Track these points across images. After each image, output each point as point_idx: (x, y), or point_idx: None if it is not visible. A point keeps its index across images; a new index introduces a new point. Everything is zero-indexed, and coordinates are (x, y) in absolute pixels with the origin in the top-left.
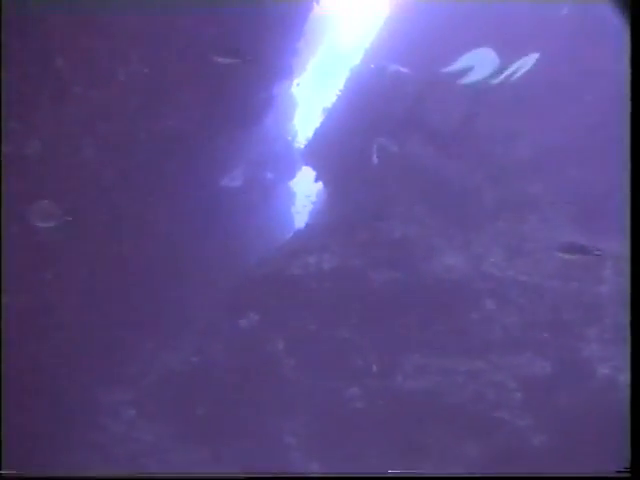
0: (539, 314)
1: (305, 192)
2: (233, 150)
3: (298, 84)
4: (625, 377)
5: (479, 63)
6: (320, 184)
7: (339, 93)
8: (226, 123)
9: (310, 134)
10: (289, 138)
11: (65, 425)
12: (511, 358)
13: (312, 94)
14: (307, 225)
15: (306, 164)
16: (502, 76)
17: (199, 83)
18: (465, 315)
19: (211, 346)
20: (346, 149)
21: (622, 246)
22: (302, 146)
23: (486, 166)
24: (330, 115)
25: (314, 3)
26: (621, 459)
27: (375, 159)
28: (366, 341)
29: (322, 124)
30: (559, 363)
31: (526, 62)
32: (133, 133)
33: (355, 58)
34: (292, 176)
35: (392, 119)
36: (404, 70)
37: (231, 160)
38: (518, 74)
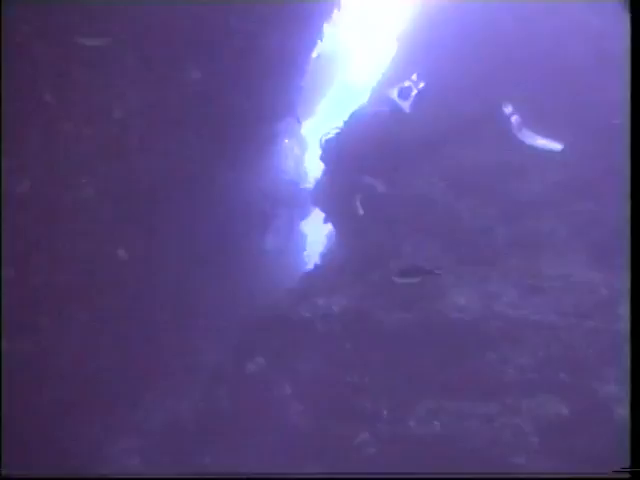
0: (554, 354)
1: (316, 233)
2: (240, 190)
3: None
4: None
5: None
6: (330, 225)
7: (339, 131)
8: (228, 160)
9: (319, 175)
10: (299, 180)
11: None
12: (527, 400)
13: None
14: (316, 266)
15: (315, 205)
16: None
17: (199, 120)
18: (478, 356)
19: (217, 392)
20: (353, 189)
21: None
22: (311, 187)
23: (498, 202)
24: (336, 155)
25: (317, 40)
26: None
27: (360, 210)
28: (376, 385)
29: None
30: (576, 404)
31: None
32: (133, 173)
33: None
34: (304, 217)
35: (400, 156)
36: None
37: (238, 201)
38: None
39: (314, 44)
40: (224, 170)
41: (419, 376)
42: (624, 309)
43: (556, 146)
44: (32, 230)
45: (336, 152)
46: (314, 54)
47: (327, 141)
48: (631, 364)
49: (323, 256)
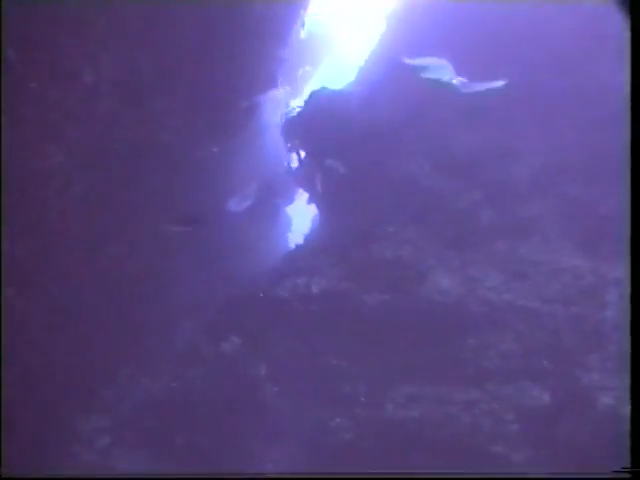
0: (538, 340)
1: (303, 216)
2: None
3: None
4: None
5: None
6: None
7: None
8: (206, 133)
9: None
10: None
11: (36, 455)
12: (508, 387)
13: None
14: (297, 247)
15: (299, 186)
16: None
17: (175, 89)
18: (460, 341)
19: (191, 371)
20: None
21: (626, 269)
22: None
23: (483, 185)
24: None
25: (300, 10)
26: None
27: (319, 187)
28: (355, 368)
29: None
30: (559, 392)
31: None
32: (105, 141)
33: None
34: (289, 199)
35: (384, 137)
36: None
37: (219, 176)
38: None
39: (297, 14)
40: (203, 142)
41: (398, 360)
42: (610, 296)
43: (497, 84)
44: None
45: (298, 131)
46: (302, 34)
47: (287, 119)
48: (631, 364)
49: (306, 237)
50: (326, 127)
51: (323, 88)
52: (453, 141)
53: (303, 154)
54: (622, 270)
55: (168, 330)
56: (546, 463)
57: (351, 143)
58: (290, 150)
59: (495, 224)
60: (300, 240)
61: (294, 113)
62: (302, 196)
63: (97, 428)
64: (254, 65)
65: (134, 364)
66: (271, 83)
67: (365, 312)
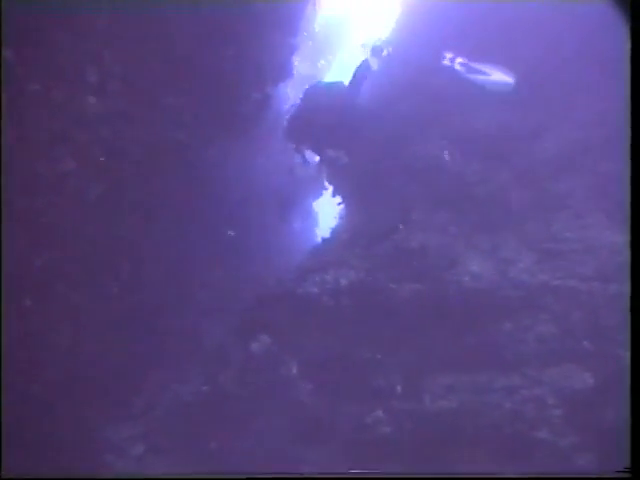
0: (577, 321)
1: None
2: (238, 161)
3: None
4: None
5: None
6: (338, 199)
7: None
8: (220, 128)
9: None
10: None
11: (67, 466)
12: (549, 371)
13: None
14: (324, 241)
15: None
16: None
17: (185, 84)
18: (496, 326)
19: (222, 374)
20: (361, 158)
21: None
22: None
23: (509, 165)
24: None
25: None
26: None
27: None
28: (389, 359)
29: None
30: (601, 374)
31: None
32: (117, 143)
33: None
34: (318, 195)
35: (409, 122)
36: None
37: (237, 174)
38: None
39: (309, 3)
40: (217, 138)
41: (433, 350)
42: None
43: (507, 79)
44: (8, 207)
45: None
46: (317, 27)
47: (289, 120)
48: (631, 364)
49: (333, 231)
50: (329, 119)
51: (319, 82)
52: (476, 123)
53: (309, 151)
54: None
55: (196, 333)
56: (593, 448)
57: (366, 133)
58: (296, 149)
59: (525, 204)
60: (327, 234)
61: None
62: (329, 189)
63: (130, 436)
64: (265, 55)
65: (163, 369)
66: (285, 73)
67: (396, 302)
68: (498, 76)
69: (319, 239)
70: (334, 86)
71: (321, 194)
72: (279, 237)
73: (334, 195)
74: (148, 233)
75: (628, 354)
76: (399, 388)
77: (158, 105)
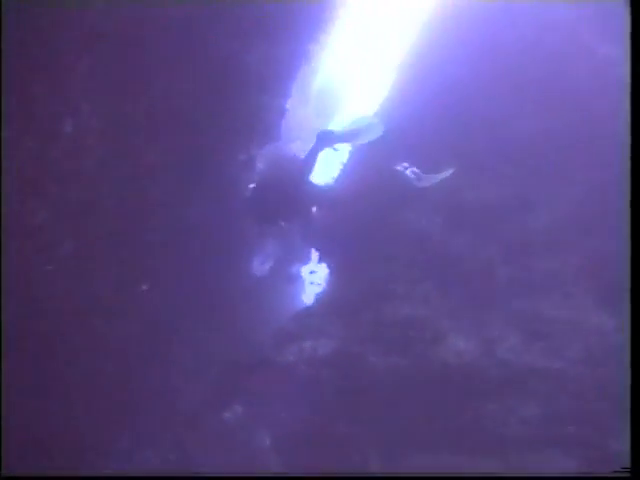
0: (562, 405)
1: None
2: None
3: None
4: None
5: (365, 129)
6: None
7: (341, 167)
8: (202, 189)
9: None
10: None
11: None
12: (532, 456)
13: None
14: (307, 307)
15: (308, 244)
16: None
17: (167, 141)
18: (478, 407)
19: (191, 442)
20: (348, 226)
21: None
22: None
23: (497, 240)
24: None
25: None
26: None
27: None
28: (366, 435)
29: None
30: (586, 462)
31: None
32: (93, 197)
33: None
34: (307, 260)
35: (393, 191)
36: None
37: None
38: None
39: (300, 65)
40: (200, 199)
41: (413, 427)
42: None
43: (446, 173)
44: None
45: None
46: (313, 86)
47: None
48: (631, 365)
49: (317, 297)
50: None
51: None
52: (466, 194)
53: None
54: None
55: (170, 395)
56: None
57: (352, 202)
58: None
59: (512, 280)
60: (311, 300)
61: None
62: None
63: None
64: (251, 116)
65: (130, 434)
66: (272, 135)
67: (376, 376)
68: (442, 175)
69: (303, 305)
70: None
71: (309, 259)
72: (265, 300)
73: (319, 262)
74: (123, 289)
75: (615, 442)
76: (374, 466)
77: (137, 162)
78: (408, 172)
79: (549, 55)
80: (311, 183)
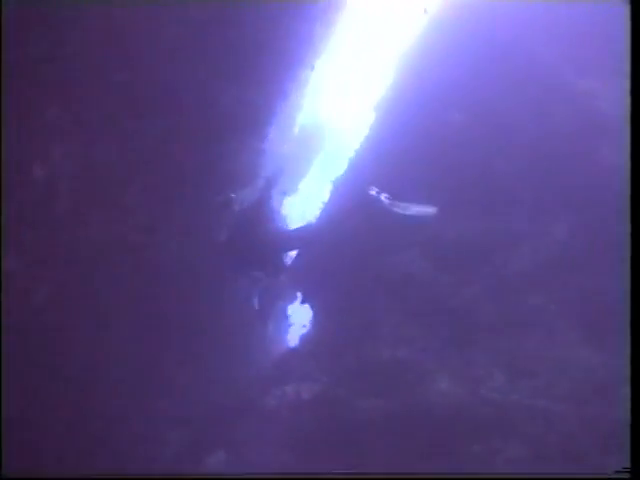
0: (550, 444)
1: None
2: None
3: None
4: None
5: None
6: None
7: (322, 206)
8: (177, 232)
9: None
10: None
11: None
12: None
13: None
14: (290, 349)
15: (292, 285)
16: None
17: (143, 184)
18: (465, 448)
19: None
20: (331, 266)
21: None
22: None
23: (480, 277)
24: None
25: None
26: None
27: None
28: None
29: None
30: None
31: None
32: (65, 245)
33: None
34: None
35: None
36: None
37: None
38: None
39: (279, 106)
40: (177, 240)
41: (397, 471)
42: (625, 392)
43: (430, 210)
44: None
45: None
46: (296, 129)
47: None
48: (631, 364)
49: (300, 339)
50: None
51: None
52: (448, 231)
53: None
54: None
55: (151, 443)
56: None
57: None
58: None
59: (496, 319)
60: (295, 341)
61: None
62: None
63: None
64: (229, 157)
65: None
66: (250, 177)
67: (360, 419)
68: (421, 208)
69: (287, 346)
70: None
71: (295, 299)
72: (248, 342)
73: (303, 302)
74: (100, 335)
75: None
76: None
77: (111, 206)
78: (382, 197)
79: (531, 93)
80: (282, 228)
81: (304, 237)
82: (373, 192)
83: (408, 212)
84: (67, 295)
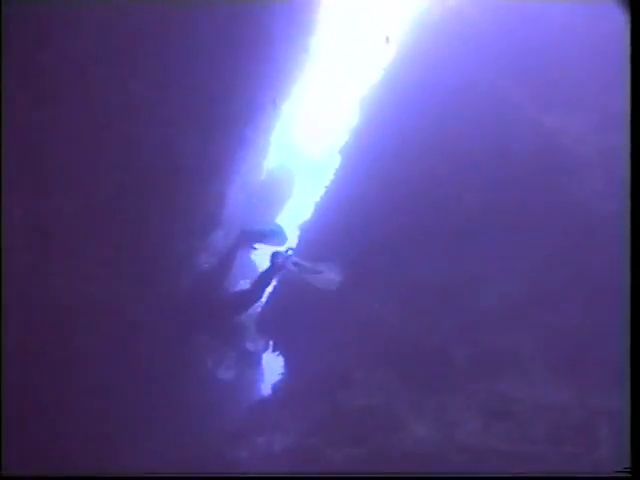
0: None
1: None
2: None
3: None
4: None
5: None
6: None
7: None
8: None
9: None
10: None
11: None
12: None
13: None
14: (262, 398)
15: (261, 332)
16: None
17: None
18: None
19: None
20: (300, 312)
21: (618, 400)
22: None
23: (452, 318)
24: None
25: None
26: None
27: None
28: None
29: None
30: None
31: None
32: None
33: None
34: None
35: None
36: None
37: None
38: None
39: (243, 152)
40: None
41: None
42: (603, 431)
43: (335, 279)
44: None
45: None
46: (262, 175)
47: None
48: (631, 365)
49: (273, 388)
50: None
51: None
52: (416, 272)
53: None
54: (613, 400)
55: None
56: None
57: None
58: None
59: (469, 360)
60: (268, 390)
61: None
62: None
63: None
64: (190, 205)
65: None
66: (212, 226)
67: (335, 469)
68: (326, 275)
69: (260, 395)
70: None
71: (267, 347)
72: (219, 392)
73: (274, 350)
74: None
75: None
76: None
77: (73, 254)
78: (292, 264)
79: (495, 129)
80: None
81: (268, 286)
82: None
83: (314, 281)
84: (22, 350)
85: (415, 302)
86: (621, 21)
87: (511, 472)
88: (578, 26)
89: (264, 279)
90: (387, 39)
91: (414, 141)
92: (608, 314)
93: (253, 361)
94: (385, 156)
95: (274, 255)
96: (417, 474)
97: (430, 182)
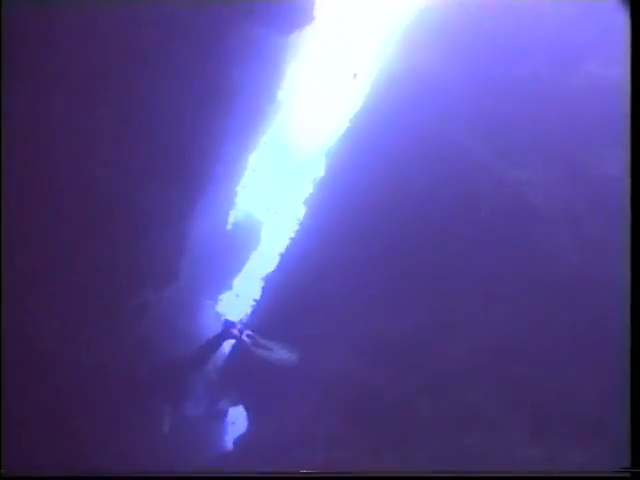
0: None
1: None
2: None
3: None
4: None
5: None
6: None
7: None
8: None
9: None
10: None
11: None
12: None
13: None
14: (222, 454)
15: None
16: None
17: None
18: None
19: None
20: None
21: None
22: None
23: (417, 371)
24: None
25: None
26: None
27: None
28: None
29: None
30: None
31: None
32: None
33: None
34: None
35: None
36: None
37: None
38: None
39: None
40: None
41: None
42: None
43: (292, 357)
44: None
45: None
46: (228, 225)
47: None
48: (631, 365)
49: (235, 441)
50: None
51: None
52: (381, 325)
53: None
54: (581, 456)
55: None
56: None
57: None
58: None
59: (435, 416)
60: (230, 444)
61: None
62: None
63: None
64: (147, 257)
65: None
66: (170, 277)
67: None
68: (282, 354)
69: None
70: None
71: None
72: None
73: (235, 405)
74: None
75: None
76: None
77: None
78: (244, 336)
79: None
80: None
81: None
82: (235, 331)
83: (269, 357)
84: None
85: (379, 354)
86: (590, 73)
87: (511, 472)
88: (545, 78)
89: (213, 344)
90: (355, 75)
91: (376, 200)
92: (576, 366)
93: (215, 418)
94: (353, 212)
95: (227, 324)
96: (417, 474)
97: (398, 232)
